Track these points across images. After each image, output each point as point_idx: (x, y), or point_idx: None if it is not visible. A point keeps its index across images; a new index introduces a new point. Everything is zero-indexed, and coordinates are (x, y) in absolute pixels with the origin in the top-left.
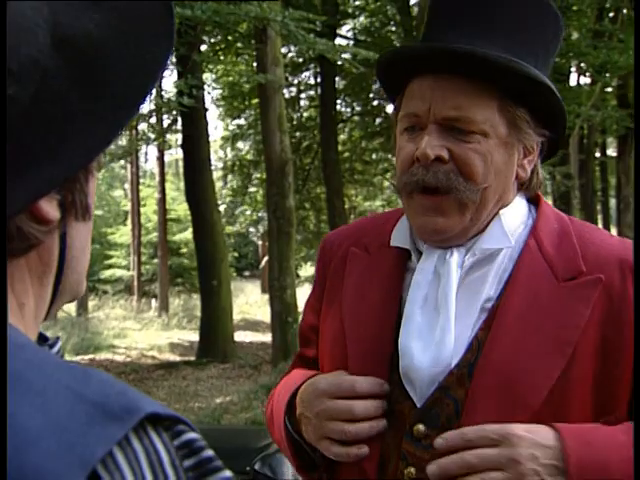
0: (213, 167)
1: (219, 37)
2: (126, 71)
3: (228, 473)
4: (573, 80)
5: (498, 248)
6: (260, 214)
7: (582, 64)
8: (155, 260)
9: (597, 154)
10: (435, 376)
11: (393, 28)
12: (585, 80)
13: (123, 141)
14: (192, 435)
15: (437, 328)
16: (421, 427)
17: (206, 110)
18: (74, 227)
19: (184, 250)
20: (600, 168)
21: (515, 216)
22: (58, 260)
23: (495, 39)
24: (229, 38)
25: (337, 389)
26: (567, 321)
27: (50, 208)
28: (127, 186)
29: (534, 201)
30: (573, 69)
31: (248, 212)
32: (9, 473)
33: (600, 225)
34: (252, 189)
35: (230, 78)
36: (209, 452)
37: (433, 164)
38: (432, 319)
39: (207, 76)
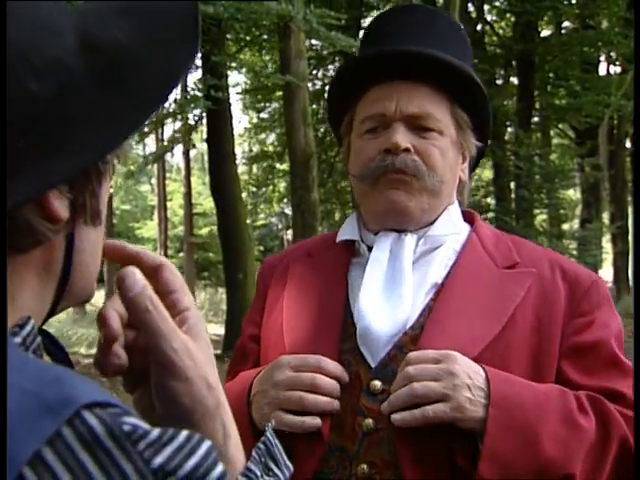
0: (238, 161)
1: (243, 30)
2: (149, 73)
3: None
4: (603, 69)
5: (445, 239)
6: (285, 209)
7: (612, 53)
8: (181, 254)
9: (627, 144)
10: (391, 337)
11: None
12: (615, 69)
13: (152, 147)
14: (131, 419)
15: (394, 295)
16: (377, 383)
17: (230, 105)
18: (83, 231)
19: (210, 244)
20: (631, 159)
21: (458, 214)
22: (64, 262)
23: (438, 49)
24: (253, 30)
25: (302, 362)
26: (504, 296)
27: (61, 207)
28: (154, 181)
29: (469, 217)
30: (602, 58)
31: (270, 204)
32: None
33: (630, 218)
34: (275, 181)
35: (256, 68)
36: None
37: (400, 153)
38: (389, 289)
39: (231, 71)
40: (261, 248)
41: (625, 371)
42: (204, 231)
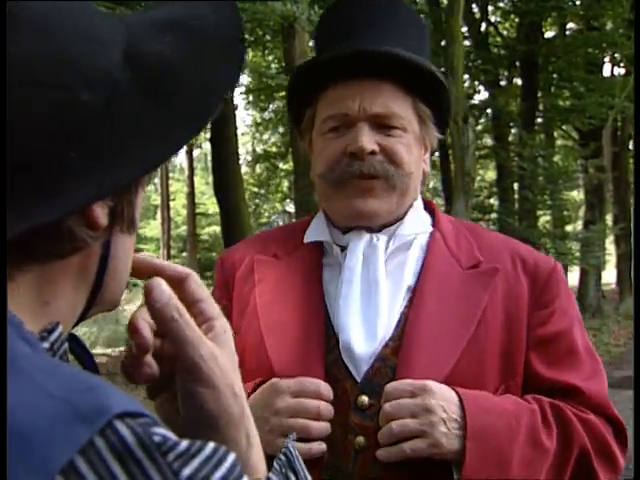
0: (241, 161)
1: (247, 30)
2: (194, 88)
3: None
4: (607, 71)
5: (414, 236)
6: (287, 207)
7: (616, 54)
8: (184, 254)
9: (631, 146)
10: (372, 351)
11: None
12: (619, 71)
13: None
14: (161, 430)
15: (371, 307)
16: (364, 398)
17: (235, 107)
18: (119, 238)
19: (213, 244)
20: (634, 161)
21: (422, 209)
22: (98, 268)
23: (398, 44)
24: (257, 30)
25: (301, 387)
26: (470, 303)
27: (102, 214)
28: (157, 180)
29: (427, 206)
30: (606, 60)
31: (273, 204)
32: None
33: (632, 220)
34: (277, 180)
35: (260, 69)
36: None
37: (367, 156)
38: (366, 300)
39: None
40: None
41: (580, 361)
42: (207, 231)
